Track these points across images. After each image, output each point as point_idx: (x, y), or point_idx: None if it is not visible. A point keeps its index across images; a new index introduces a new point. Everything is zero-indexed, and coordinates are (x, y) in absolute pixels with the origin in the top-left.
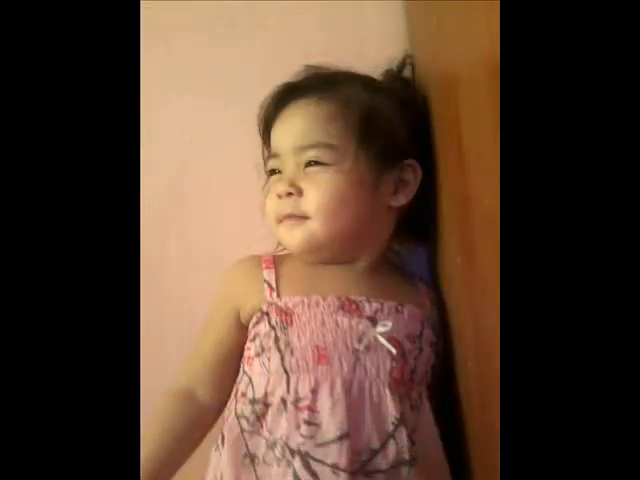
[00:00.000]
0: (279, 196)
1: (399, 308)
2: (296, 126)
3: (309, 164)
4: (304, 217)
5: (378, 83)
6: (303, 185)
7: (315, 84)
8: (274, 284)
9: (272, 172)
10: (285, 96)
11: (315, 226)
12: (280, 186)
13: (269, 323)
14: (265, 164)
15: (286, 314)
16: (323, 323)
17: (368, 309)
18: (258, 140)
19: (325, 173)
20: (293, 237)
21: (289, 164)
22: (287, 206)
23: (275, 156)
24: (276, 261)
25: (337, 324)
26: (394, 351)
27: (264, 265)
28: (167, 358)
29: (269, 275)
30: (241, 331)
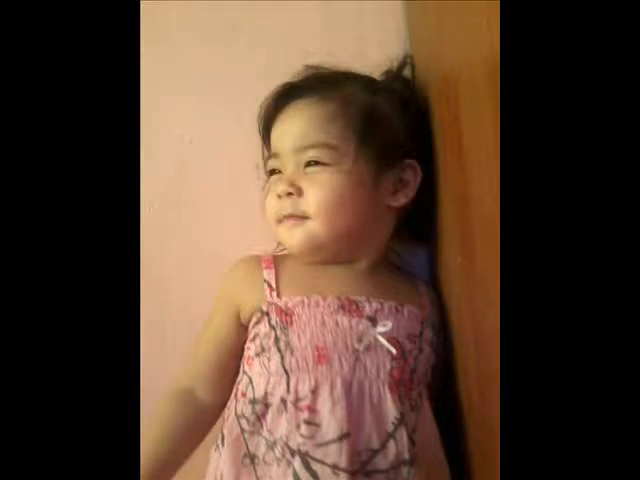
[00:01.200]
0: (279, 196)
1: (399, 308)
2: (296, 126)
3: (309, 164)
4: (304, 217)
5: (378, 83)
6: (303, 185)
7: (315, 84)
8: (274, 284)
9: (272, 172)
10: (285, 96)
11: (315, 226)
12: (280, 186)
13: (269, 323)
14: (265, 164)
15: (286, 314)
16: (323, 323)
17: (368, 309)
18: (258, 140)
19: (325, 173)
20: (293, 237)
21: (289, 164)
22: (287, 206)
23: (275, 156)
24: (276, 261)
25: (337, 324)
26: (394, 351)
27: (264, 265)
28: (167, 358)
29: (269, 275)
30: (241, 331)
